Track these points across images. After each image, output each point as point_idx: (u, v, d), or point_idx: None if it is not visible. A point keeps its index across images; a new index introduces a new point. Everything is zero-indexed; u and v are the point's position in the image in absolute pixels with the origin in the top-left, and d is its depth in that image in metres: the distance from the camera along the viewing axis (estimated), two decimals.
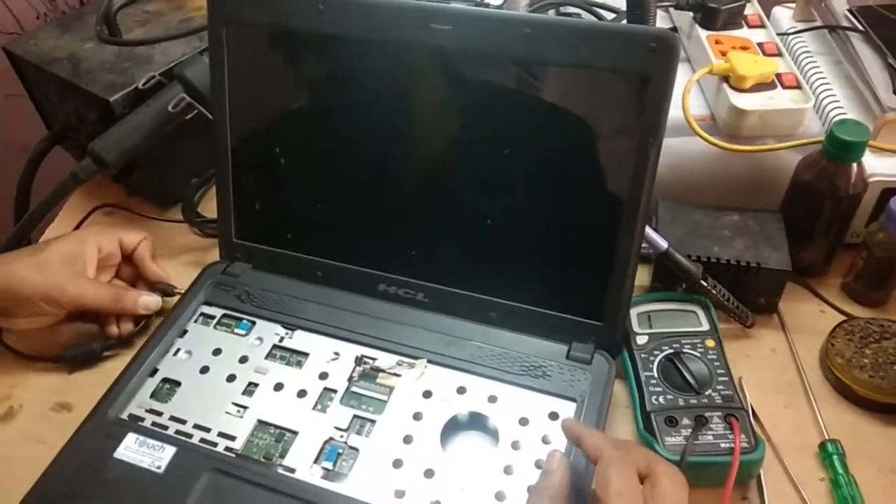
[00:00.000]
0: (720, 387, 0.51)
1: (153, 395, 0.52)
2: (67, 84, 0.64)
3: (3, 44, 0.70)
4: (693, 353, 0.52)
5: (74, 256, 0.55)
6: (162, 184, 0.69)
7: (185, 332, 0.56)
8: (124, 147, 0.61)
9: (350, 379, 0.52)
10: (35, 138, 0.72)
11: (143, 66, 0.65)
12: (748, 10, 0.67)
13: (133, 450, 0.48)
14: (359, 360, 0.53)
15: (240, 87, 0.56)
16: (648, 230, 0.51)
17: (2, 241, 0.64)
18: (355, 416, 0.50)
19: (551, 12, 0.74)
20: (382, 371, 0.53)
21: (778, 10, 0.74)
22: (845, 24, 0.67)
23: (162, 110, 0.61)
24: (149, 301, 0.58)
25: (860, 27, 0.65)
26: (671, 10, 0.69)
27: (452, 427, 0.49)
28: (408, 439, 0.48)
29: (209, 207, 0.68)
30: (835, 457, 0.49)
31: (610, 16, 0.71)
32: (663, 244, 0.53)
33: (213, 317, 0.57)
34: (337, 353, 0.54)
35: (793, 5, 0.74)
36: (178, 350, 0.55)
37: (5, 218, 0.76)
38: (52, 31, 0.70)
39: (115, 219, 0.71)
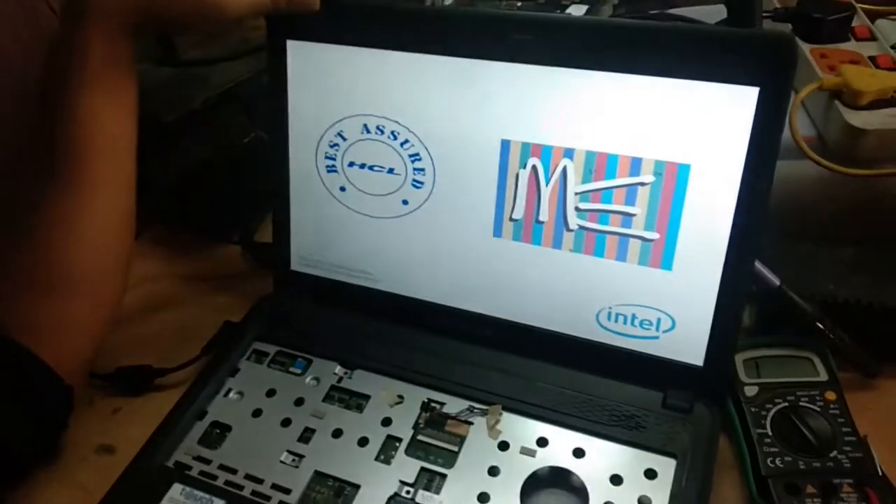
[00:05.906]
0: (847, 447, 0.43)
1: (201, 441, 0.47)
2: None
3: None
4: (812, 407, 0.45)
5: None
6: (216, 212, 0.66)
7: (237, 370, 0.51)
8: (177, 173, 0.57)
9: (416, 426, 0.47)
10: None
11: (199, 86, 0.62)
12: (855, 22, 0.61)
13: (178, 502, 0.44)
14: (425, 406, 0.48)
15: (300, 106, 0.52)
16: (758, 265, 0.45)
17: None
18: (423, 469, 0.45)
19: None
20: (452, 418, 0.47)
21: (882, 23, 0.67)
22: None
23: (219, 135, 0.58)
24: None
25: None
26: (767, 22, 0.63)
27: (533, 484, 0.43)
28: (483, 497, 0.43)
29: (264, 238, 0.64)
30: None
31: None
32: (775, 281, 0.46)
33: (266, 354, 0.52)
34: (401, 397, 0.49)
35: None
36: (229, 390, 0.50)
37: None
38: None
39: (165, 246, 0.67)
